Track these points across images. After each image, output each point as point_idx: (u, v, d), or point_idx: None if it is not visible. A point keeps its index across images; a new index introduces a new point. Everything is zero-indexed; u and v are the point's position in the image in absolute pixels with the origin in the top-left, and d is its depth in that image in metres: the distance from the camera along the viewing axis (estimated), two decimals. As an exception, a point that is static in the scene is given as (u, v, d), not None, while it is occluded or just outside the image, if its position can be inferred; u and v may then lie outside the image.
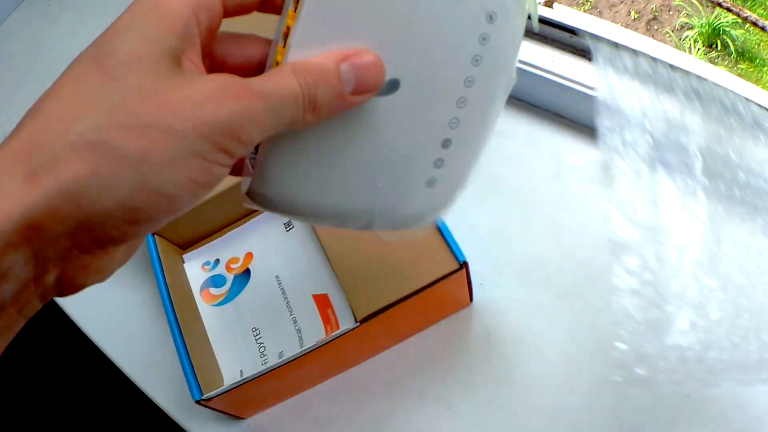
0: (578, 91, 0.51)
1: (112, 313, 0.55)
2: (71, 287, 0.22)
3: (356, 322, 0.43)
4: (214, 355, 0.48)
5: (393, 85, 0.26)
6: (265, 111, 0.22)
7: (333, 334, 0.42)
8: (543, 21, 0.52)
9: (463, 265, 0.42)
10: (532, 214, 0.51)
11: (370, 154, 0.27)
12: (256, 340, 0.48)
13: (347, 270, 0.44)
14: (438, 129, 0.28)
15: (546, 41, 0.53)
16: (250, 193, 0.27)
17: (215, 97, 0.20)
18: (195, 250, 0.52)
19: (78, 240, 0.20)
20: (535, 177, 0.52)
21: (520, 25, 0.28)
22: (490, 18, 0.26)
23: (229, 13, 0.25)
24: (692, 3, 1.45)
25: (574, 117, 0.53)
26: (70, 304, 0.56)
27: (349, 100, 0.24)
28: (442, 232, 0.43)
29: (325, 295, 0.46)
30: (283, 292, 0.48)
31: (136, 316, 0.54)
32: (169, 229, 0.51)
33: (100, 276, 0.23)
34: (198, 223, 0.52)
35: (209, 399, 0.43)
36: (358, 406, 0.48)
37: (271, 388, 0.47)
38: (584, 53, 0.52)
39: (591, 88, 0.51)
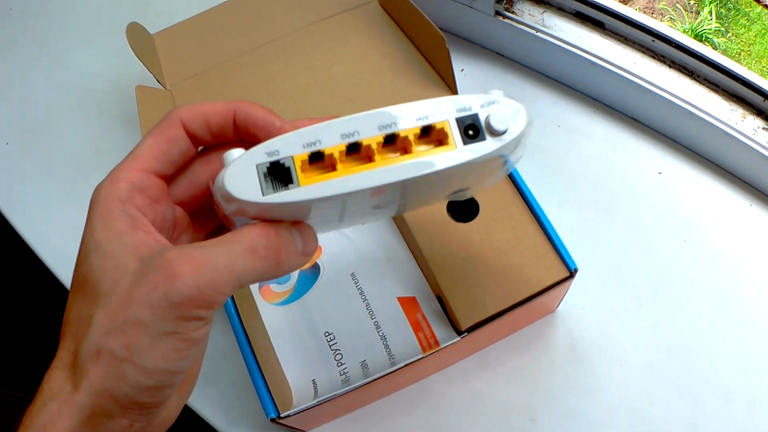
0: (659, 96, 0.50)
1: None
2: None
3: (460, 332, 0.40)
4: (278, 360, 0.44)
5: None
6: (229, 278, 0.24)
7: (441, 345, 0.39)
8: (626, 21, 0.50)
9: (573, 273, 0.40)
10: (612, 218, 0.50)
11: None
12: (330, 346, 0.43)
13: (446, 273, 0.41)
14: None
15: (627, 42, 0.51)
16: None
17: (173, 275, 0.23)
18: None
19: (127, 415, 0.24)
20: (613, 180, 0.51)
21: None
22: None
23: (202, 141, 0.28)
24: (676, 7, 1.49)
25: (650, 122, 0.52)
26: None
27: (302, 259, 0.27)
28: (550, 235, 0.41)
29: (413, 298, 0.43)
30: (361, 293, 0.44)
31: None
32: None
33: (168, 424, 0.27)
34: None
35: (285, 417, 0.39)
36: (435, 417, 0.45)
37: (349, 401, 0.43)
38: (664, 58, 0.51)
39: (672, 95, 0.50)
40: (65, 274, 0.54)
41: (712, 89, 0.50)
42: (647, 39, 0.51)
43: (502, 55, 0.55)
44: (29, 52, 0.65)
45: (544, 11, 0.53)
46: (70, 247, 0.55)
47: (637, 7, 1.45)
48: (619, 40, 0.52)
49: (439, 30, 0.45)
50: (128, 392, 0.23)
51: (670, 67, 0.51)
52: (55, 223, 0.56)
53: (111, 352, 0.23)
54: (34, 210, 0.57)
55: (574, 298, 0.47)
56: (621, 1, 0.52)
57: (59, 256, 0.55)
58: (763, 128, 0.49)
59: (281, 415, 0.39)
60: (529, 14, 0.53)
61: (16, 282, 0.95)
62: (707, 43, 1.40)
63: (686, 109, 0.49)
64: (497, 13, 0.52)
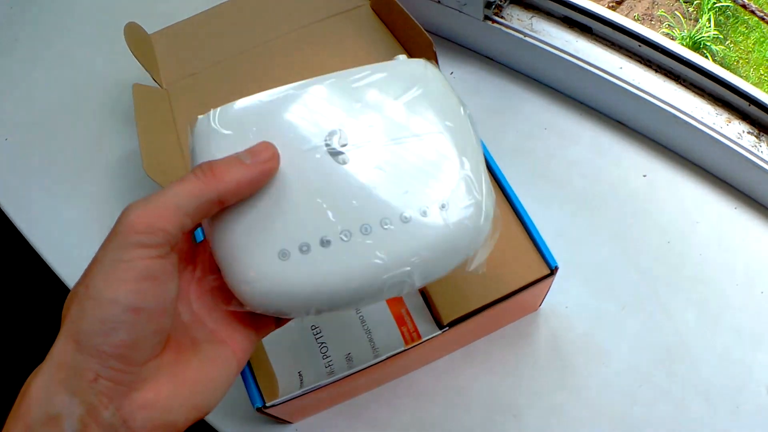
0: (645, 100, 0.51)
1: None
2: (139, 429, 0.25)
3: (442, 326, 0.41)
4: (265, 353, 0.45)
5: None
6: (165, 202, 0.26)
7: (423, 338, 0.40)
8: (613, 26, 0.51)
9: (554, 271, 0.41)
10: (597, 220, 0.50)
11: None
12: (317, 339, 0.44)
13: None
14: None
15: (614, 47, 0.52)
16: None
17: (123, 214, 0.26)
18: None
19: (90, 363, 0.24)
20: (599, 183, 0.51)
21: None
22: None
23: None
24: (675, 14, 1.50)
25: (636, 126, 0.53)
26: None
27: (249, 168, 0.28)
28: (532, 234, 0.42)
29: (398, 294, 0.44)
30: (348, 289, 0.45)
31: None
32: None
33: (155, 412, 0.26)
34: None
35: (271, 406, 0.40)
36: (420, 411, 0.46)
37: (334, 393, 0.44)
38: (650, 63, 0.52)
39: (658, 99, 0.51)
40: (62, 269, 0.55)
41: (697, 94, 0.51)
42: (634, 44, 0.51)
43: (492, 59, 0.57)
44: (30, 50, 0.67)
45: (533, 16, 0.54)
46: (69, 242, 0.57)
47: (636, 14, 1.46)
48: (606, 45, 0.52)
49: (426, 33, 0.46)
50: (86, 329, 0.24)
51: (656, 71, 0.52)
52: (53, 218, 0.58)
53: (75, 294, 0.25)
54: (33, 205, 0.58)
55: (557, 297, 0.48)
56: (611, 7, 0.53)
57: (57, 251, 0.56)
58: (748, 132, 0.50)
59: (267, 405, 0.40)
60: (518, 19, 0.54)
61: (13, 276, 0.96)
62: (705, 51, 1.41)
63: (672, 113, 0.50)
64: (486, 17, 0.54)
